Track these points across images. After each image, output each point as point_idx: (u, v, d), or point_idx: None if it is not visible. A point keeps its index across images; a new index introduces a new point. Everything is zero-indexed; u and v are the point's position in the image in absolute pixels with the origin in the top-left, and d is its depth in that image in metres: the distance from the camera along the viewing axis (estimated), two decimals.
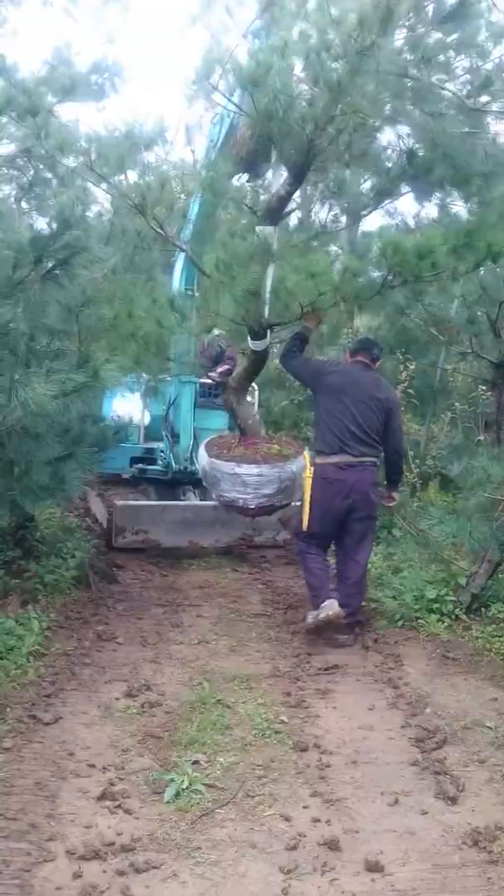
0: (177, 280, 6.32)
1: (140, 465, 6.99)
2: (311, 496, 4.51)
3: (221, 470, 4.68)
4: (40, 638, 4.29)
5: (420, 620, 4.68)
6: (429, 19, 4.85)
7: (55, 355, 3.84)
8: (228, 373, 7.83)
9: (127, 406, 7.12)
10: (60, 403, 3.64)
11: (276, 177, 4.78)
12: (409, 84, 4.83)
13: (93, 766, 3.08)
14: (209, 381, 7.61)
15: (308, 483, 4.53)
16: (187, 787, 2.92)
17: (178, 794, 2.88)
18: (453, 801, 2.92)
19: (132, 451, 6.95)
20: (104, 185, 4.63)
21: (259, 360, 5.03)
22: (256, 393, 7.30)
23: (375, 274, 4.51)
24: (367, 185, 7.35)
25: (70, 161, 4.65)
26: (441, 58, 5.00)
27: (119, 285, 4.47)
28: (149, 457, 7.02)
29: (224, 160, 4.67)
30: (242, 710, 3.62)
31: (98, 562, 5.91)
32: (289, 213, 5.14)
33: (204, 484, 5.32)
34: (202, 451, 5.04)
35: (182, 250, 4.29)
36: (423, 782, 3.07)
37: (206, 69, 4.38)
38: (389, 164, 5.83)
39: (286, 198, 4.87)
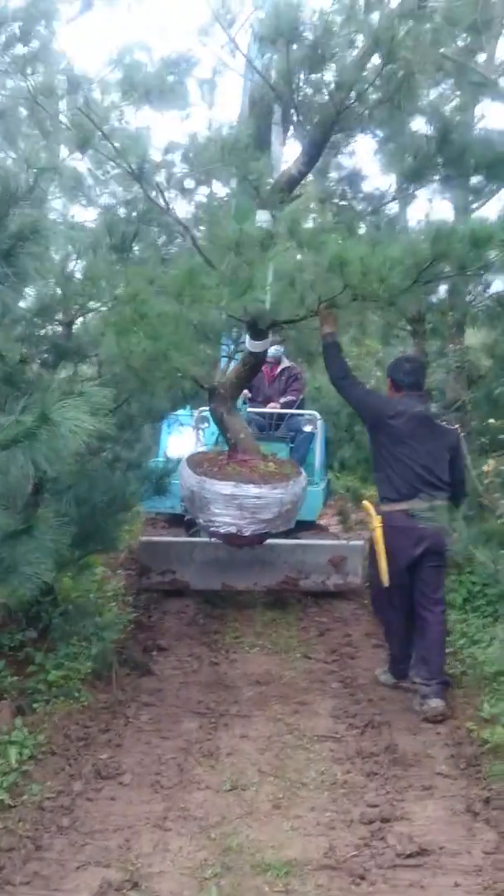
0: None
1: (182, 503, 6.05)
2: (384, 546, 4.11)
3: (214, 491, 4.03)
4: (15, 776, 3.18)
5: None
6: None
7: None
8: (292, 403, 6.67)
9: (182, 442, 6.16)
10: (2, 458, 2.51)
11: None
12: None
13: None
14: (268, 410, 6.58)
15: (378, 533, 4.14)
16: None
17: None
18: None
19: None
20: None
21: (256, 363, 4.48)
22: (320, 422, 6.12)
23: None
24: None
25: None
26: None
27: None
28: None
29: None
30: None
31: (134, 644, 4.77)
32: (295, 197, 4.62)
33: (187, 509, 4.72)
34: (185, 469, 4.31)
35: (184, 226, 3.46)
36: None
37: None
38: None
39: (298, 178, 4.36)
